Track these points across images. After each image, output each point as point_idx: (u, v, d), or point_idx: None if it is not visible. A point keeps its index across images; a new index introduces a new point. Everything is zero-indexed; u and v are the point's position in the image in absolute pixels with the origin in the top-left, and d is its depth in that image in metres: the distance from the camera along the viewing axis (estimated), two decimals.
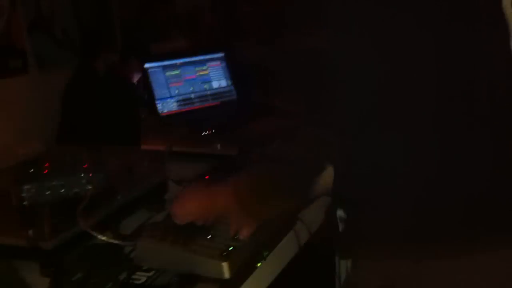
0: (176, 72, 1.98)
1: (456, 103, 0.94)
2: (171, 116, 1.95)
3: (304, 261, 1.38)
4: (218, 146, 1.78)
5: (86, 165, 1.28)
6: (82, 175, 1.23)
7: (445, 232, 0.95)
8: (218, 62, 2.10)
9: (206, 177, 1.57)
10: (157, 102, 1.92)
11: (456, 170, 0.94)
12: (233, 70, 2.11)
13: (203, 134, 1.83)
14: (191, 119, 1.97)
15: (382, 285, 1.01)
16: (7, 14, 2.73)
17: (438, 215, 0.95)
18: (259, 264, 1.20)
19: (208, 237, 1.15)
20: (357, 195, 1.00)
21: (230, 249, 1.12)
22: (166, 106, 1.94)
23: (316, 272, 1.52)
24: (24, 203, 1.19)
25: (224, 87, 2.09)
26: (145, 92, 1.94)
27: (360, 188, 0.99)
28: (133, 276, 1.11)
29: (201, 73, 2.05)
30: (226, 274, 1.08)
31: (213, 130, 1.85)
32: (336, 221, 1.10)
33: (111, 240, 1.13)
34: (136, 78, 2.47)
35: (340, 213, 1.09)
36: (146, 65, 1.93)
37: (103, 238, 1.12)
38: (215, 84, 2.07)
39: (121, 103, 2.40)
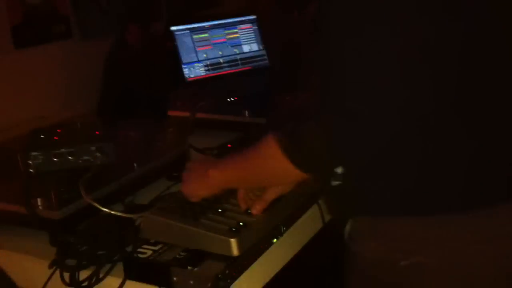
0: (205, 35, 1.90)
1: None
2: (198, 82, 1.87)
3: (325, 242, 1.29)
4: (246, 113, 1.70)
5: (98, 133, 1.23)
6: (92, 144, 1.17)
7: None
8: (249, 25, 1.99)
9: (229, 145, 1.50)
10: (183, 66, 1.85)
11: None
12: (267, 35, 2.00)
13: (229, 100, 1.75)
14: (219, 85, 1.88)
15: (383, 244, 0.95)
16: None
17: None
18: (275, 240, 1.13)
19: (218, 211, 1.09)
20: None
21: (240, 224, 1.05)
22: (193, 71, 1.86)
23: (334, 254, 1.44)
24: (31, 170, 1.15)
25: (256, 51, 1.99)
26: (172, 56, 1.86)
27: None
28: (139, 250, 1.06)
29: (231, 36, 1.95)
30: (235, 251, 1.02)
31: (242, 97, 1.77)
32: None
33: (115, 213, 1.08)
34: None
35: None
36: (173, 28, 1.85)
37: (106, 210, 1.07)
38: (245, 48, 1.97)
39: (161, 74, 2.35)
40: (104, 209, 1.07)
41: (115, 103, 2.42)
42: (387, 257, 0.95)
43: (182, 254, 1.03)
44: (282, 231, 1.15)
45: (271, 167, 0.98)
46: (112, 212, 1.07)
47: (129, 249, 1.07)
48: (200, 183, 1.08)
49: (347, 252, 1.03)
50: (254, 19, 2.01)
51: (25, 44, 2.46)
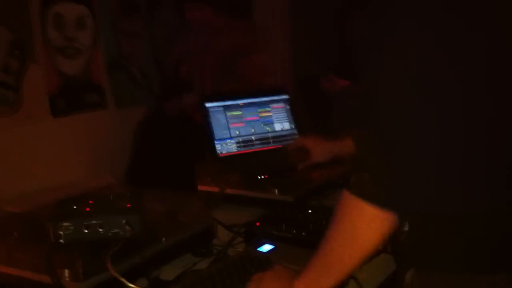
0: (238, 112, 1.93)
1: None
2: (229, 158, 1.89)
3: None
4: (276, 191, 1.69)
5: (129, 205, 1.23)
6: (122, 216, 1.17)
7: None
8: (281, 104, 2.03)
9: (257, 223, 1.49)
10: (216, 142, 1.87)
11: None
12: (297, 114, 2.03)
13: (258, 178, 1.75)
14: (250, 162, 1.89)
15: None
16: (89, 53, 2.82)
17: None
18: None
19: None
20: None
21: None
22: (225, 147, 1.88)
23: None
24: (61, 240, 1.15)
25: (287, 130, 2.01)
26: (205, 132, 1.89)
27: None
28: None
29: (264, 114, 1.98)
30: None
31: (270, 175, 1.77)
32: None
33: None
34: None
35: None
36: (207, 105, 1.89)
37: (131, 286, 1.05)
38: (277, 127, 2.00)
39: (190, 146, 2.38)
40: (131, 285, 1.05)
41: (144, 173, 2.43)
42: None
43: None
44: None
45: (357, 223, 0.94)
46: None
47: None
48: None
49: None
50: (286, 98, 2.05)
51: (61, 113, 2.54)
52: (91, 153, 2.74)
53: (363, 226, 0.93)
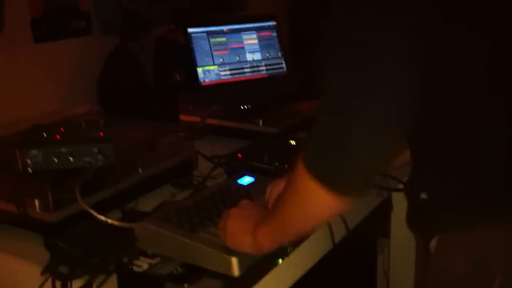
0: (222, 39, 1.84)
1: None
2: (213, 86, 1.81)
3: (338, 260, 1.22)
4: (260, 122, 1.63)
5: (101, 134, 1.17)
6: (94, 145, 1.11)
7: None
8: (269, 32, 1.93)
9: (239, 155, 1.44)
10: (198, 70, 1.79)
11: None
12: (286, 41, 1.94)
13: (242, 108, 1.69)
14: (234, 91, 1.82)
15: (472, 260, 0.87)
16: None
17: None
18: (280, 261, 1.06)
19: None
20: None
21: None
22: (208, 75, 1.80)
23: (351, 273, 1.36)
24: (29, 169, 1.09)
25: (274, 58, 1.92)
26: (187, 59, 1.80)
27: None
28: (136, 262, 1.00)
29: (249, 42, 1.89)
30: (236, 271, 0.94)
31: (255, 105, 1.70)
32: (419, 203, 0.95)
33: (111, 221, 1.02)
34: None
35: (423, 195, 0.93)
36: (190, 30, 1.79)
37: (101, 218, 1.00)
38: (263, 55, 1.91)
39: (167, 73, 2.28)
40: (100, 217, 1.01)
41: (124, 100, 2.35)
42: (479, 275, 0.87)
43: (179, 269, 0.97)
44: (289, 251, 1.08)
45: (306, 202, 0.85)
46: (109, 221, 1.01)
47: (125, 259, 1.01)
48: (245, 243, 0.95)
49: (433, 269, 0.94)
50: (274, 25, 1.94)
51: (44, 38, 2.44)
52: (75, 81, 2.66)
53: (310, 205, 0.85)
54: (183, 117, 1.73)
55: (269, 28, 1.93)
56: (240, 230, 0.95)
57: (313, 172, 0.82)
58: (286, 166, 1.35)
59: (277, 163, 1.37)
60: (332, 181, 0.81)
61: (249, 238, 0.93)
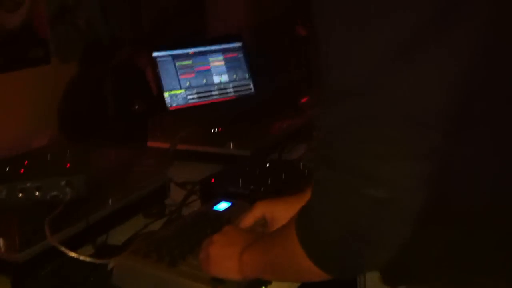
0: (188, 62, 1.80)
1: None
2: (180, 111, 1.76)
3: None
4: (231, 145, 1.60)
5: (68, 165, 1.11)
6: (61, 177, 1.06)
7: None
8: (235, 53, 1.91)
9: (212, 180, 1.39)
10: (165, 94, 1.74)
11: None
12: (252, 62, 1.91)
13: (212, 131, 1.65)
14: (202, 114, 1.78)
15: None
16: (30, 3, 2.61)
17: None
18: None
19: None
20: None
21: None
22: (175, 99, 1.75)
23: None
24: None
25: (241, 79, 1.90)
26: (153, 84, 1.76)
27: None
28: None
29: (216, 64, 1.86)
30: None
31: (225, 128, 1.67)
32: None
33: (82, 257, 0.96)
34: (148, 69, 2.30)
35: None
36: (155, 54, 1.75)
37: (73, 255, 0.94)
38: (231, 77, 1.88)
39: (127, 96, 2.23)
40: (71, 253, 0.95)
41: (88, 129, 2.28)
42: None
43: None
44: None
45: (296, 266, 0.76)
46: (81, 257, 0.95)
47: None
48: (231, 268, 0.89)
49: None
50: (240, 46, 1.92)
51: (1, 69, 2.37)
52: (36, 111, 2.59)
53: (302, 272, 0.76)
54: (152, 144, 1.68)
55: (235, 49, 1.91)
56: (226, 257, 0.90)
57: (311, 259, 0.72)
58: (262, 189, 1.32)
59: (252, 186, 1.33)
60: (336, 274, 0.73)
61: (236, 264, 0.89)
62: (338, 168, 0.65)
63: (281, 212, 0.98)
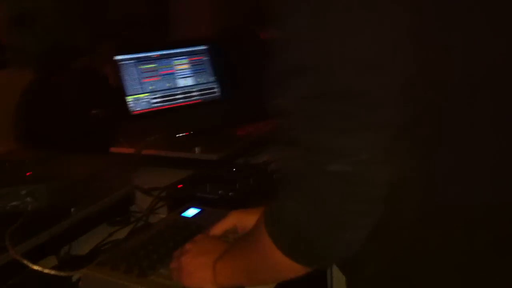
0: (152, 65, 1.76)
1: None
2: (143, 115, 1.72)
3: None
4: (197, 150, 1.57)
5: (28, 174, 1.06)
6: (22, 187, 1.01)
7: None
8: (200, 56, 1.88)
9: (179, 186, 1.36)
10: (128, 99, 1.70)
11: None
12: (218, 65, 1.88)
13: (177, 136, 1.62)
14: (167, 118, 1.74)
15: None
16: None
17: None
18: None
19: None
20: None
21: None
22: (139, 104, 1.71)
23: None
24: None
25: (206, 83, 1.87)
26: (115, 88, 1.71)
27: None
28: None
29: (181, 67, 1.82)
30: None
31: (191, 132, 1.64)
32: None
33: (46, 270, 0.91)
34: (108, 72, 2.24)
35: None
36: (117, 57, 1.70)
37: (36, 268, 0.90)
38: (196, 80, 1.85)
39: (89, 102, 2.17)
40: (34, 266, 0.90)
41: (47, 136, 2.21)
42: None
43: None
44: None
45: (269, 263, 0.75)
46: (44, 270, 0.90)
47: None
48: (205, 279, 0.86)
49: None
50: (205, 49, 1.89)
51: None
52: None
53: (276, 269, 0.75)
54: (115, 149, 1.64)
55: (200, 52, 1.88)
56: (199, 266, 0.87)
57: (283, 251, 0.71)
58: (230, 194, 1.29)
59: (220, 191, 1.30)
60: (307, 262, 0.72)
61: (210, 273, 0.86)
62: (302, 147, 0.66)
63: (254, 222, 0.96)
